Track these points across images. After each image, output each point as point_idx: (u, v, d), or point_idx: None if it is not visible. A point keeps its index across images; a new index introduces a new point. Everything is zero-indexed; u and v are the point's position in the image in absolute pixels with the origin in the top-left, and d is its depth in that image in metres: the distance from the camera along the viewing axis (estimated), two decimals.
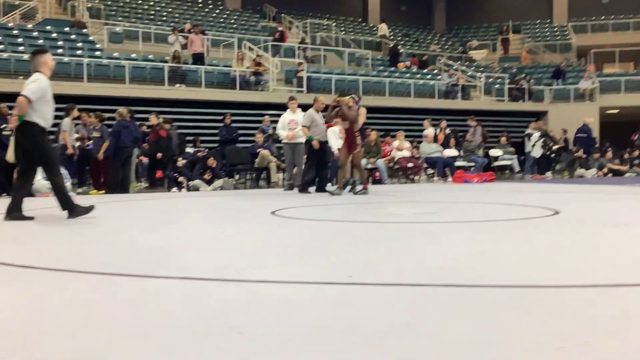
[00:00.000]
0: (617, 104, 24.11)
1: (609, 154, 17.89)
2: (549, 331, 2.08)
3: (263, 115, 15.87)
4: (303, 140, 11.22)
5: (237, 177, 14.40)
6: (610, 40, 29.51)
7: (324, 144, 10.56)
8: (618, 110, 24.75)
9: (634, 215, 6.10)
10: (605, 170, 17.20)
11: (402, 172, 14.76)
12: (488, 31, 33.04)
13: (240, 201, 8.69)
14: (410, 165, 14.50)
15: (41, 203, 8.79)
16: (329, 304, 2.50)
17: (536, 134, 16.87)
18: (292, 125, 11.26)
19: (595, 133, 22.96)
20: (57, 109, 13.23)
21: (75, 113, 11.67)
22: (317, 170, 10.40)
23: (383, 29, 29.41)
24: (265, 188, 12.94)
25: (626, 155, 18.72)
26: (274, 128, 14.78)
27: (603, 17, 31.63)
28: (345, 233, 4.96)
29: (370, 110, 19.41)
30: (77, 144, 11.86)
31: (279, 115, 17.00)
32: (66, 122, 11.40)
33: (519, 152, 17.76)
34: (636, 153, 19.05)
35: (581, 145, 17.95)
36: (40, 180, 10.50)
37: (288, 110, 11.67)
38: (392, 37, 30.47)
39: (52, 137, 13.10)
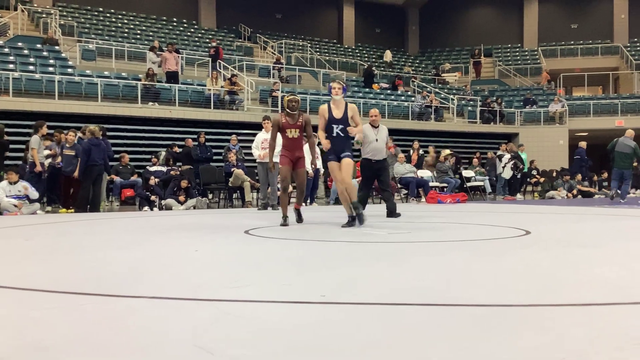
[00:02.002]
0: (586, 127, 24.65)
1: (579, 176, 18.23)
2: (519, 350, 2.08)
3: (238, 134, 15.87)
4: (277, 159, 11.06)
5: (210, 196, 14.31)
6: (579, 64, 30.26)
7: (382, 162, 8.98)
8: (587, 133, 25.29)
9: (603, 236, 6.19)
10: (574, 191, 17.50)
11: (376, 192, 14.81)
12: (460, 54, 33.63)
13: (214, 220, 8.61)
14: None
15: (9, 222, 8.61)
16: (301, 324, 2.47)
17: (507, 156, 17.11)
18: (265, 145, 11.16)
19: (566, 155, 23.46)
20: (26, 126, 13.18)
21: (45, 130, 11.51)
22: (380, 192, 9.29)
23: (388, 55, 30.16)
24: (239, 207, 12.87)
25: (595, 177, 19.12)
26: (241, 147, 14.76)
27: (572, 42, 32.44)
28: (319, 252, 4.93)
29: None
30: (47, 161, 11.67)
31: (254, 135, 17.03)
32: (35, 139, 11.22)
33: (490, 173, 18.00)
34: (605, 175, 19.45)
35: (576, 167, 18.62)
36: (9, 199, 10.29)
37: (263, 129, 11.58)
38: (366, 59, 30.84)
39: (21, 154, 12.98)
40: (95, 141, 11.03)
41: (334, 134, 7.15)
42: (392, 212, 8.82)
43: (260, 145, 11.34)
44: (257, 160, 11.59)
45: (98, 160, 10.96)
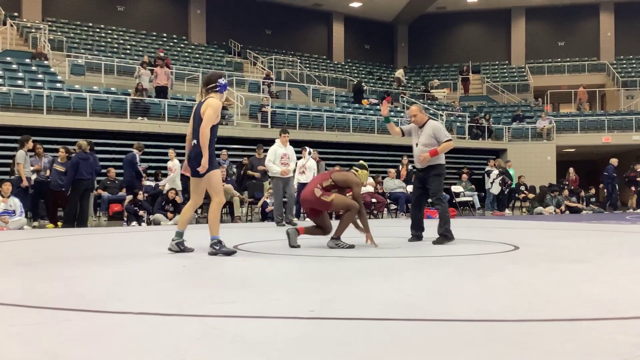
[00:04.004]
0: (573, 143, 24.84)
1: (566, 192, 18.32)
2: None
3: (228, 149, 15.83)
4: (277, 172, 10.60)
5: (199, 211, 14.22)
6: (566, 81, 30.55)
7: (427, 170, 7.11)
8: (574, 149, 25.48)
9: (590, 251, 6.21)
10: (562, 207, 17.58)
11: (366, 207, 14.80)
12: (449, 71, 33.88)
13: (202, 235, 8.55)
14: (373, 200, 14.57)
15: None
16: (290, 339, 2.45)
17: (495, 172, 17.20)
18: (284, 160, 10.52)
19: (553, 171, 23.60)
20: (12, 141, 13.09)
21: (30, 145, 11.43)
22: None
23: (400, 73, 30.33)
24: (228, 222, 12.81)
25: (582, 193, 19.23)
26: (231, 162, 14.69)
27: (559, 59, 32.79)
28: (308, 268, 4.91)
29: (334, 145, 19.68)
30: (33, 176, 11.58)
31: (243, 150, 16.93)
32: (20, 154, 11.14)
33: (479, 189, 18.06)
34: (592, 191, 19.57)
35: (605, 183, 19.00)
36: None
37: (278, 142, 10.74)
38: (355, 74, 30.99)
39: (7, 169, 12.87)
40: (83, 155, 10.97)
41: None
42: (442, 237, 6.92)
43: (279, 160, 10.50)
44: (273, 175, 10.71)
45: (86, 174, 10.88)
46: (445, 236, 6.88)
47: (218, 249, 5.67)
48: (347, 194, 6.65)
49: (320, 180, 6.55)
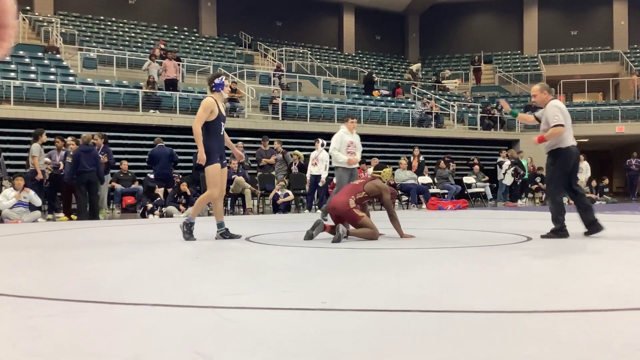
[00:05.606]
0: (586, 133, 24.61)
1: (580, 182, 18.19)
2: (520, 358, 2.06)
3: (238, 141, 15.85)
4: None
5: (210, 205, 14.29)
6: (579, 71, 30.26)
7: (549, 155, 6.72)
8: (587, 139, 25.25)
9: (603, 242, 6.17)
10: None
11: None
12: (460, 61, 33.67)
13: (214, 228, 8.59)
14: None
15: (10, 229, 8.61)
16: (302, 331, 2.46)
17: (507, 162, 17.11)
18: (351, 149, 9.39)
19: None
20: (27, 134, 13.19)
21: (44, 138, 11.52)
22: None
23: (416, 66, 30.24)
24: (240, 214, 12.85)
25: (594, 183, 19.09)
26: (247, 154, 14.71)
27: (572, 48, 32.48)
28: (319, 259, 4.92)
29: None
30: (46, 165, 11.67)
31: (254, 142, 16.93)
32: (35, 147, 11.23)
33: (492, 180, 17.98)
34: (606, 181, 19.43)
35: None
36: (14, 208, 10.29)
37: (343, 128, 9.56)
38: (366, 66, 30.88)
39: (22, 162, 12.99)
40: (85, 148, 11.01)
41: (222, 133, 6.56)
42: (552, 232, 6.42)
43: (345, 148, 9.32)
44: (339, 165, 9.35)
45: (88, 166, 10.89)
46: (556, 233, 6.39)
47: (186, 230, 6.39)
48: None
49: (354, 192, 6.65)
